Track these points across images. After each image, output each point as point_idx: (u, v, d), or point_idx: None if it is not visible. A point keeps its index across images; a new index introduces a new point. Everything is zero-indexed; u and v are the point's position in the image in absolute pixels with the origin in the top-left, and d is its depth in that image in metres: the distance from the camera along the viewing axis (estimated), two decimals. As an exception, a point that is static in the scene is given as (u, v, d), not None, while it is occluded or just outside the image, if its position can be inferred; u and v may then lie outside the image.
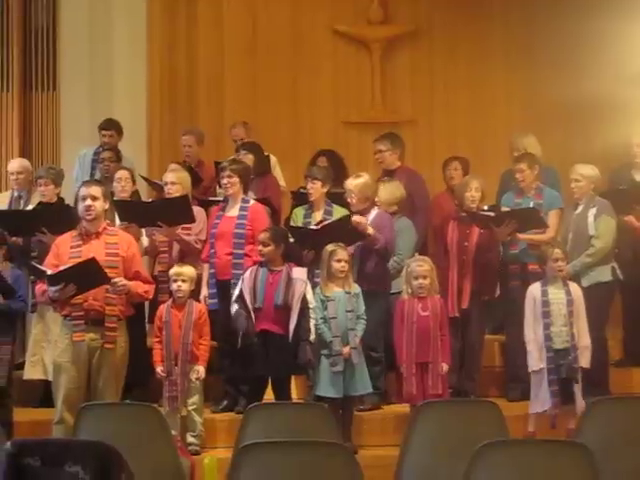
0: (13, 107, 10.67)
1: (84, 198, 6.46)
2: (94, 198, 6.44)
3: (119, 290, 6.34)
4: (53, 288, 6.28)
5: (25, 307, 7.21)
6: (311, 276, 7.15)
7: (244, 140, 9.20)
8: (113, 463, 3.65)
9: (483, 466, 3.94)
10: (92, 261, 6.24)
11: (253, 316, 6.86)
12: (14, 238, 7.73)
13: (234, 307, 6.99)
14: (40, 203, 7.95)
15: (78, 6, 10.55)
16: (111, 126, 9.28)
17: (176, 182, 7.70)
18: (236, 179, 7.50)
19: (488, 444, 4.00)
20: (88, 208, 6.43)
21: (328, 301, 6.90)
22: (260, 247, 7.00)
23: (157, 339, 6.95)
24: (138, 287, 6.48)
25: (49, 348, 7.44)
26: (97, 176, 8.84)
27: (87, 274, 6.27)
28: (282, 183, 9.12)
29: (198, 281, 7.29)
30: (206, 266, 7.48)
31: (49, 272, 6.30)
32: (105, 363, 6.38)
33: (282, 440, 4.01)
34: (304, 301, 6.85)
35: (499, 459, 3.96)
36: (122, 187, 7.95)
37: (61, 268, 6.27)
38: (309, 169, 8.02)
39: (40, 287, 6.50)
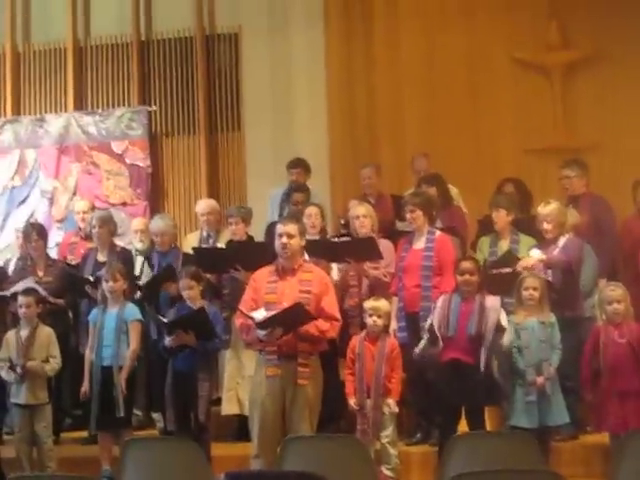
0: (200, 149, 11.10)
1: (280, 235, 6.55)
2: (290, 236, 6.51)
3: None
4: (262, 332, 6.37)
5: (223, 345, 7.34)
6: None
7: (426, 172, 9.24)
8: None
9: None
10: (298, 306, 6.31)
11: (441, 344, 6.84)
12: (208, 275, 7.89)
13: (424, 337, 7.00)
14: (231, 241, 8.13)
15: (259, 47, 10.92)
16: (299, 164, 9.40)
17: (367, 215, 7.78)
18: (419, 212, 7.53)
19: None
20: (284, 246, 6.52)
21: (521, 330, 6.84)
22: (467, 276, 6.95)
23: (349, 371, 6.99)
24: (311, 327, 6.44)
25: (243, 384, 7.64)
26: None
27: (293, 317, 6.35)
28: (465, 210, 9.09)
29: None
30: (395, 299, 7.51)
31: (258, 318, 6.37)
32: (299, 398, 6.42)
33: (493, 470, 3.96)
34: (498, 329, 6.82)
35: None
36: (312, 223, 8.05)
37: (269, 315, 6.34)
38: (494, 197, 8.06)
39: (243, 323, 6.56)
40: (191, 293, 7.25)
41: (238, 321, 6.66)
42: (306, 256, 7.40)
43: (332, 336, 6.67)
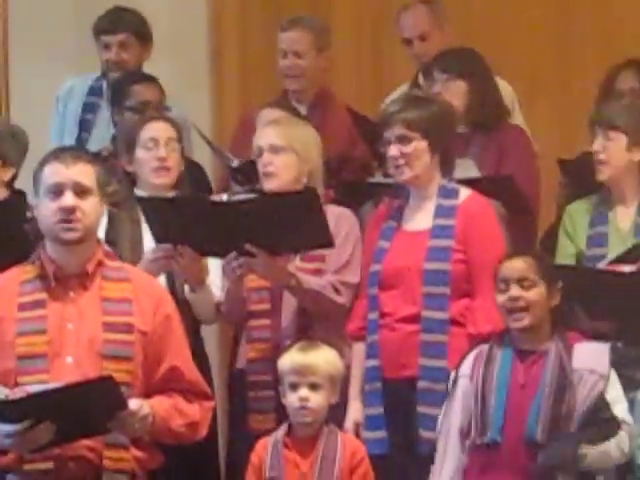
0: None
1: (56, 189, 6.28)
2: (82, 191, 6.26)
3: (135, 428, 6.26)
4: (5, 429, 6.06)
5: None
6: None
7: (424, 35, 9.65)
8: None
9: None
10: (104, 381, 6.10)
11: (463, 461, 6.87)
12: None
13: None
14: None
15: None
16: (122, 24, 9.67)
17: (284, 147, 7.78)
18: (421, 144, 7.45)
19: None
20: (68, 215, 6.22)
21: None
22: (516, 292, 6.89)
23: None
24: (173, 416, 6.39)
25: None
26: (96, 142, 9.19)
27: (83, 401, 6.11)
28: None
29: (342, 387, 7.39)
30: (358, 348, 7.56)
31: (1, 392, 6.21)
32: None
33: None
34: (600, 410, 6.78)
35: None
36: (160, 158, 8.00)
37: (31, 390, 6.12)
38: (600, 108, 8.40)
39: None
40: None
41: None
42: (148, 242, 7.75)
43: (202, 434, 6.65)
